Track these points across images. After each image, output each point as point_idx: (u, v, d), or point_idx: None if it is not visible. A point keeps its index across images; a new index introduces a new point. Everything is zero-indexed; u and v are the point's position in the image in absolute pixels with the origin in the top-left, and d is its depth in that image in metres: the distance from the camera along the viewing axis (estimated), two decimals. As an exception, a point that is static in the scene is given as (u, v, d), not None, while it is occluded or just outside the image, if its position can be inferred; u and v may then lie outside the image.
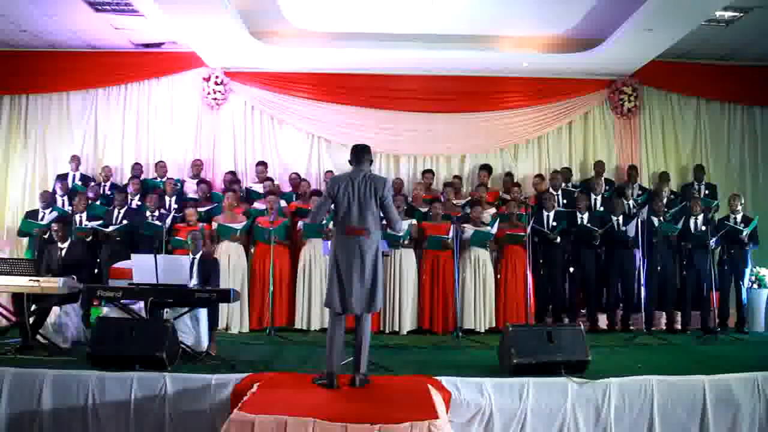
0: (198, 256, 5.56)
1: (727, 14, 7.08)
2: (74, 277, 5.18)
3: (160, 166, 8.15)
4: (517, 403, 4.19)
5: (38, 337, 5.14)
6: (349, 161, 4.31)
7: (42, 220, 7.00)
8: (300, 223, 6.81)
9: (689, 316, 6.99)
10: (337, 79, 8.58)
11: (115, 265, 5.74)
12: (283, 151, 8.65)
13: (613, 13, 7.02)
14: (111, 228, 6.79)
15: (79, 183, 7.92)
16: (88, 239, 6.83)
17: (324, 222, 5.93)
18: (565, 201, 7.61)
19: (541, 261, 6.86)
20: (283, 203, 7.24)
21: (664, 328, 7.03)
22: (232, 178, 7.93)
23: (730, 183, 8.56)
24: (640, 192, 7.99)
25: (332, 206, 4.25)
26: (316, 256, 6.68)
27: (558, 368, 4.36)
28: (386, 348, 5.71)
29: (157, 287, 4.81)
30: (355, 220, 4.09)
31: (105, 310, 5.45)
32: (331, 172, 8.03)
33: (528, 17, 7.42)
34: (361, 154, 4.27)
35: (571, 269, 6.98)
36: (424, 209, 7.19)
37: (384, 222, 4.40)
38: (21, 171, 8.46)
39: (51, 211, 7.08)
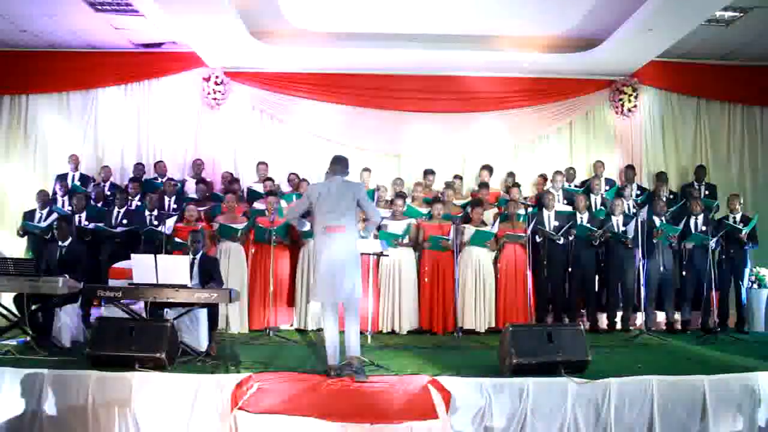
0: (198, 256, 5.56)
1: (727, 14, 7.10)
2: (67, 276, 5.16)
3: (160, 166, 8.16)
4: (517, 403, 4.18)
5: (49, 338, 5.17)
6: (328, 170, 4.81)
7: (39, 220, 6.99)
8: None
9: (689, 316, 6.99)
10: (337, 79, 8.59)
11: (115, 265, 5.74)
12: (283, 151, 8.66)
13: (613, 13, 7.03)
14: (118, 230, 6.78)
15: (79, 183, 7.92)
16: (87, 239, 6.83)
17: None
18: (565, 201, 7.61)
19: (541, 261, 6.86)
20: (283, 203, 7.24)
21: (664, 328, 7.02)
22: (232, 178, 7.93)
23: (730, 183, 8.57)
24: (639, 192, 7.99)
25: (311, 208, 4.69)
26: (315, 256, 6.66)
27: (558, 368, 4.35)
28: (386, 348, 5.71)
29: (157, 287, 4.81)
30: (334, 219, 4.54)
31: (104, 310, 5.45)
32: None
33: (528, 17, 7.43)
34: (339, 165, 4.75)
35: (571, 269, 6.97)
36: (424, 210, 7.19)
37: (364, 218, 4.90)
38: (21, 171, 8.47)
39: (49, 212, 7.07)
